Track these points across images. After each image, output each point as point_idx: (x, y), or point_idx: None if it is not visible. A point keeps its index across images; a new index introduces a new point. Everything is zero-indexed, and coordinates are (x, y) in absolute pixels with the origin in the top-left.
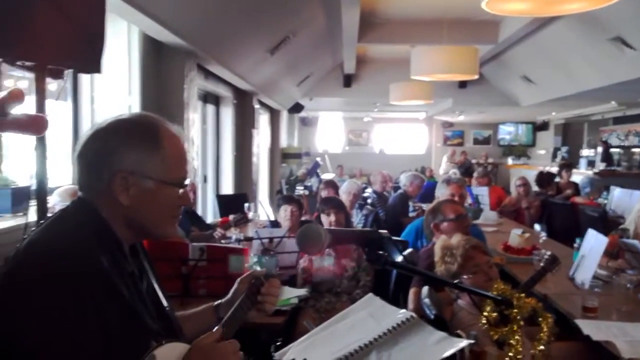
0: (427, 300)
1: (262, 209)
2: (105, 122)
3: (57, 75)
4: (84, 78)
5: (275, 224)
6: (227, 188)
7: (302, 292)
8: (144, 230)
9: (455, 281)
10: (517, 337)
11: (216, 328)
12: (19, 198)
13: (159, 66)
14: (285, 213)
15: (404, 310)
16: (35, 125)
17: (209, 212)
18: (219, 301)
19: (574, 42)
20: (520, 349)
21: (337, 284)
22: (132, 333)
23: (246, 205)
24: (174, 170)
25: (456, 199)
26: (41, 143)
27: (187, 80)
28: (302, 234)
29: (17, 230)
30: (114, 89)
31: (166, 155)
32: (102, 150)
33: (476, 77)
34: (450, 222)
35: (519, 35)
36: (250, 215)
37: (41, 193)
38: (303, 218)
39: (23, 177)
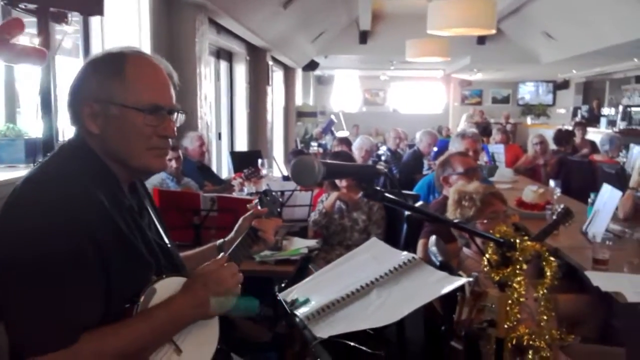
0: (433, 249)
1: (276, 165)
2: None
3: (61, 19)
4: (95, 33)
5: (287, 179)
6: (242, 145)
7: (313, 242)
8: (122, 161)
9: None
10: (519, 279)
11: (221, 255)
12: (32, 149)
13: (170, 20)
14: None
15: (406, 253)
16: (37, 54)
17: (224, 168)
18: (222, 240)
19: None
20: (523, 291)
21: (348, 237)
22: (130, 265)
23: (259, 160)
24: (138, 94)
25: (470, 153)
26: (47, 96)
27: (198, 34)
28: (296, 166)
29: None
30: (124, 44)
31: (127, 78)
32: (75, 82)
33: (494, 32)
34: (459, 176)
35: None
36: (264, 171)
37: (48, 143)
38: None
39: (36, 129)
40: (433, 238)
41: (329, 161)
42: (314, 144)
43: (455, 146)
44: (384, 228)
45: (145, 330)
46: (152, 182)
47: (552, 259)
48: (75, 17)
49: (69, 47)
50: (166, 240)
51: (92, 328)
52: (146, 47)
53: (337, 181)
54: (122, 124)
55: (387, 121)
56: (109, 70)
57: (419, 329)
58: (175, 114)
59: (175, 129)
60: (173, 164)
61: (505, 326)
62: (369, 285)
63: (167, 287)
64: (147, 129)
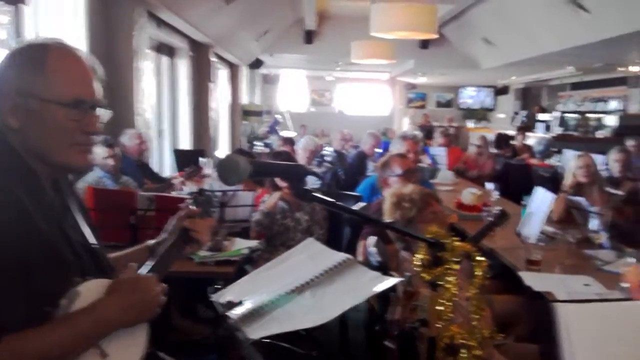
0: (372, 249)
1: None
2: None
3: None
4: (28, 25)
5: None
6: (185, 143)
7: (255, 243)
8: (44, 158)
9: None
10: (449, 279)
11: (130, 265)
12: None
13: (106, 12)
14: None
15: (342, 253)
16: None
17: (166, 166)
18: (154, 240)
19: (532, 3)
20: (455, 291)
21: (291, 237)
22: (50, 266)
23: (201, 159)
24: (60, 87)
25: (411, 155)
26: None
27: (136, 27)
28: (221, 164)
29: None
30: (58, 36)
31: (49, 71)
32: None
33: (435, 36)
34: (398, 177)
35: None
36: (208, 170)
37: None
38: None
39: None
40: (372, 239)
41: (256, 160)
42: (259, 143)
43: (396, 147)
44: (327, 228)
45: (66, 334)
46: (88, 181)
47: (481, 258)
48: (7, 8)
49: (4, 38)
50: (93, 241)
51: (13, 331)
52: (82, 40)
53: (278, 181)
54: (43, 118)
55: (335, 122)
56: (30, 62)
57: (361, 329)
58: (100, 109)
59: (99, 124)
60: (110, 161)
61: (437, 325)
62: (303, 285)
63: (91, 289)
64: (70, 124)
